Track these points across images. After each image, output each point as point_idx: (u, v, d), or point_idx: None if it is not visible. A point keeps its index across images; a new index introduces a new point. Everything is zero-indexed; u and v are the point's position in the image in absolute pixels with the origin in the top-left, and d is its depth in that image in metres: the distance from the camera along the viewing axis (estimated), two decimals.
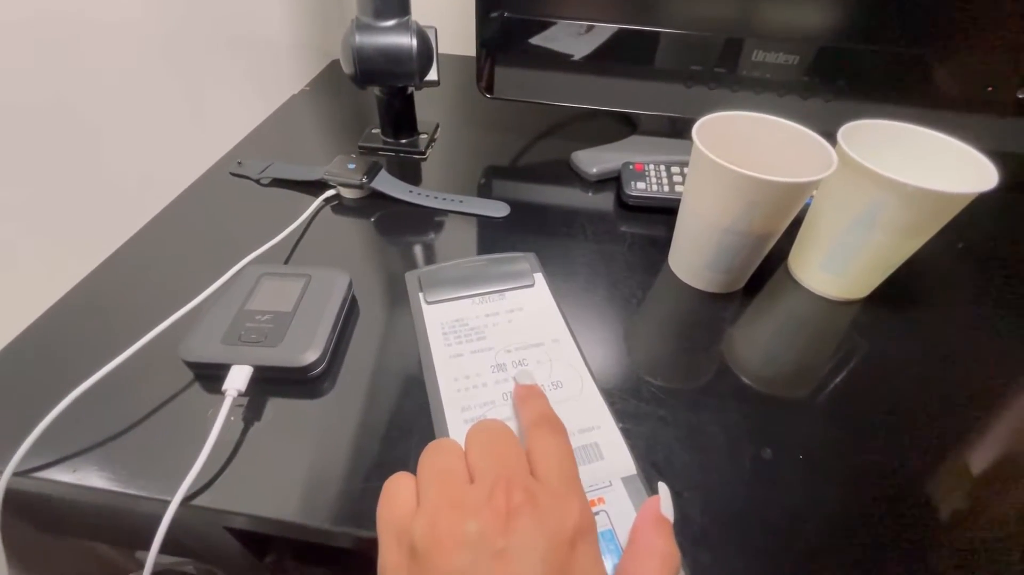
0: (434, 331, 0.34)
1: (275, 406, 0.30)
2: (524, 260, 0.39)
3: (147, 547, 0.24)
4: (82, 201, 0.38)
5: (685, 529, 0.25)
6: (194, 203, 0.45)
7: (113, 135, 0.39)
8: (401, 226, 0.44)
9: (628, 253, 0.42)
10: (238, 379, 0.28)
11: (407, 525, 0.19)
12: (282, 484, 0.26)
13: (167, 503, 0.25)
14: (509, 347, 0.33)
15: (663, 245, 0.42)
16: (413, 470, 0.27)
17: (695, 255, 0.37)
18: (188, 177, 0.47)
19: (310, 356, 0.30)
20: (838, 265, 0.36)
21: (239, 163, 0.48)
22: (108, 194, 0.39)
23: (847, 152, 0.32)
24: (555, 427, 0.24)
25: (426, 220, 0.45)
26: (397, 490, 0.21)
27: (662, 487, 0.24)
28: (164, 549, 0.30)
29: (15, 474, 0.26)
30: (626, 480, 0.26)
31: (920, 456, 0.29)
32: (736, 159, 0.31)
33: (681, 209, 0.37)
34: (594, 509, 0.25)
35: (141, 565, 0.33)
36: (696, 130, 0.33)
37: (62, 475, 0.26)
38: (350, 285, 0.35)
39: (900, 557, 0.25)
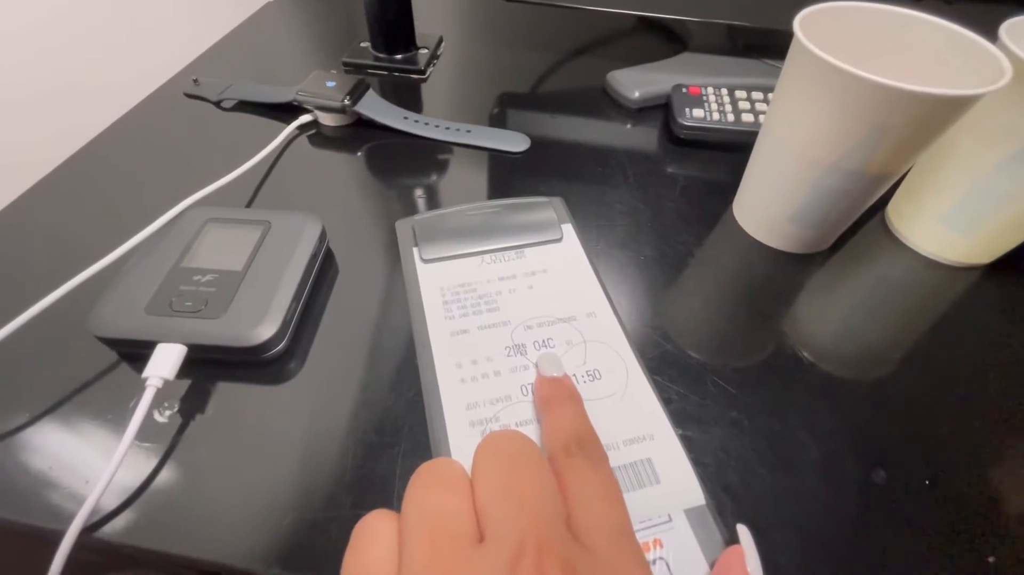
0: (431, 299, 0.26)
1: (219, 398, 0.22)
2: (549, 207, 0.30)
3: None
4: None
5: None
6: (135, 131, 0.36)
7: (31, 41, 0.30)
8: (393, 162, 0.35)
9: (681, 200, 0.33)
10: (165, 363, 0.21)
11: None
12: (221, 511, 0.19)
13: (61, 535, 0.18)
14: (529, 322, 0.25)
15: (725, 191, 0.33)
16: (399, 496, 0.20)
17: (775, 202, 0.28)
18: (130, 99, 0.38)
19: (264, 332, 0.22)
20: (970, 219, 0.27)
21: (195, 81, 0.39)
22: (23, 117, 0.31)
23: (1019, 55, 0.22)
24: (594, 452, 0.17)
25: (424, 155, 0.36)
26: (370, 543, 0.14)
27: (744, 534, 0.17)
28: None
29: None
30: (691, 513, 0.19)
31: None
32: (854, 66, 0.21)
33: (761, 139, 0.28)
34: (648, 556, 0.18)
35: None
36: (800, 22, 0.24)
37: None
38: (323, 235, 0.27)
39: None
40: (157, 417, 0.21)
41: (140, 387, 0.21)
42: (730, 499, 0.20)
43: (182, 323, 0.22)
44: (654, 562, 0.18)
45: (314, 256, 0.26)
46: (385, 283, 0.27)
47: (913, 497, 0.20)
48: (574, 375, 0.23)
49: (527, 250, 0.28)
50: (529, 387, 0.22)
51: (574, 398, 0.20)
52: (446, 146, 0.36)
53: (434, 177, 0.34)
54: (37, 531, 0.19)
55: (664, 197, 0.33)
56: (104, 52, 0.34)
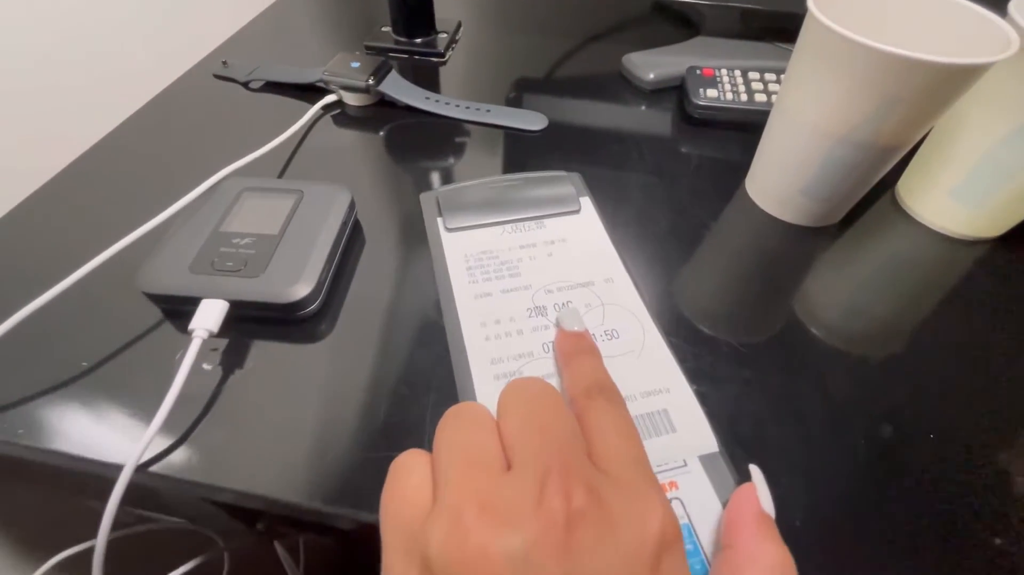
0: (456, 265, 0.27)
1: (258, 352, 0.24)
2: (568, 180, 0.31)
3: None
4: (39, 103, 0.31)
5: (782, 524, 0.19)
6: (170, 108, 0.37)
7: (77, 26, 0.32)
8: (414, 140, 0.36)
9: (695, 177, 0.34)
10: (209, 317, 0.22)
11: (419, 528, 0.14)
12: (264, 451, 0.21)
13: (119, 470, 0.19)
14: (550, 286, 0.26)
15: (738, 169, 0.34)
16: (429, 441, 0.21)
17: (787, 176, 0.29)
18: (163, 79, 0.39)
19: (300, 290, 0.24)
20: (979, 192, 0.28)
21: (224, 63, 0.41)
22: (68, 95, 0.32)
23: None
24: (613, 396, 0.18)
25: (445, 134, 0.37)
26: (407, 475, 0.16)
27: (756, 472, 0.18)
28: (147, 506, 0.26)
29: None
30: (705, 459, 0.20)
31: None
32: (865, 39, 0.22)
33: (774, 115, 0.29)
34: (666, 495, 0.19)
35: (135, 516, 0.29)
36: None
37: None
38: (352, 205, 0.28)
39: None
40: (204, 366, 0.23)
41: (186, 340, 0.22)
42: (741, 448, 0.21)
43: (224, 281, 0.24)
44: (670, 502, 0.19)
45: (344, 224, 0.27)
46: (410, 251, 0.29)
47: (919, 451, 0.21)
48: (593, 334, 0.24)
49: (547, 220, 0.29)
50: (550, 345, 0.23)
51: (593, 351, 0.21)
52: (466, 125, 0.37)
53: (454, 154, 0.35)
54: (99, 466, 0.20)
55: (679, 174, 0.34)
56: (138, 36, 0.36)
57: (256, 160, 0.31)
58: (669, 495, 0.19)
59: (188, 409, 0.22)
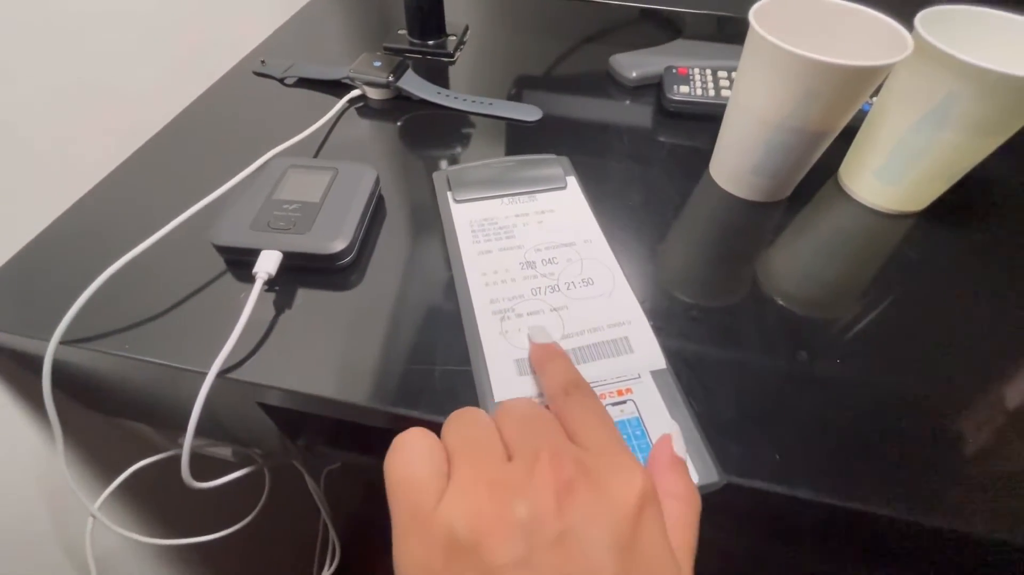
0: (463, 228, 0.33)
1: (305, 294, 0.30)
2: (557, 163, 0.37)
3: (187, 426, 0.25)
4: (112, 95, 0.37)
5: (714, 420, 0.25)
6: (219, 100, 0.44)
7: (138, 33, 0.38)
8: (428, 129, 0.42)
9: (667, 160, 0.40)
10: (268, 263, 0.28)
11: (433, 506, 0.16)
12: (313, 364, 0.27)
13: (205, 375, 0.25)
14: (539, 246, 0.32)
15: (705, 155, 0.39)
16: (442, 354, 0.27)
17: (740, 157, 0.35)
18: (210, 77, 0.45)
19: (339, 244, 0.30)
20: (897, 171, 0.33)
21: (262, 62, 0.47)
22: (129, 90, 0.39)
23: (924, 37, 0.29)
24: (587, 391, 0.21)
25: (454, 124, 0.43)
26: (416, 453, 0.18)
27: (675, 429, 0.22)
28: (203, 430, 0.32)
29: (62, 342, 0.26)
30: (656, 374, 0.26)
31: (959, 384, 0.27)
32: (799, 48, 0.28)
33: (729, 106, 0.35)
34: (620, 398, 0.25)
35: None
36: (754, 12, 0.30)
37: (107, 347, 0.27)
38: (377, 180, 0.34)
39: (915, 476, 0.24)
40: (266, 302, 0.29)
41: (249, 284, 0.28)
42: (687, 368, 0.27)
43: (278, 237, 0.30)
44: (625, 402, 0.25)
45: (372, 194, 0.33)
46: (425, 218, 0.35)
47: (825, 372, 0.27)
48: (572, 283, 0.30)
49: (538, 195, 0.35)
50: (538, 290, 0.29)
51: (563, 355, 0.24)
52: (472, 116, 0.43)
53: (462, 141, 0.41)
54: (187, 372, 0.26)
55: (653, 158, 0.40)
56: (186, 36, 0.42)
57: (296, 144, 0.37)
58: (624, 398, 0.25)
59: (252, 335, 0.28)
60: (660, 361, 0.26)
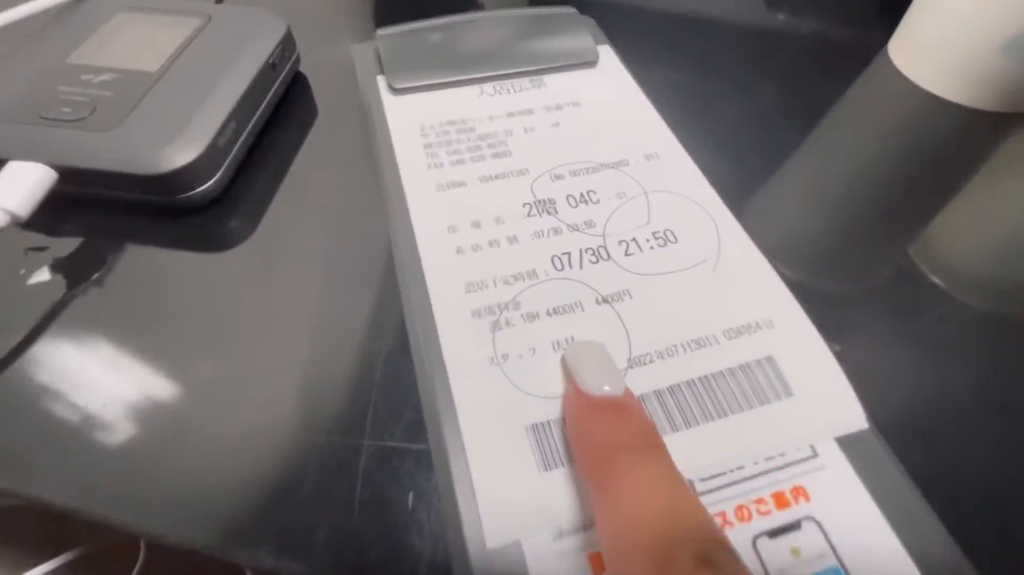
0: (406, 142, 0.17)
1: (121, 265, 0.14)
2: (579, 23, 0.21)
3: None
4: None
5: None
6: None
7: None
8: None
9: (798, 29, 0.23)
10: (16, 190, 0.13)
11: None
12: (100, 427, 0.12)
13: None
14: (559, 170, 0.16)
15: (877, 22, 0.23)
16: (359, 423, 0.12)
17: (978, 26, 0.18)
18: None
19: (176, 156, 0.14)
20: None
21: None
22: None
23: None
24: (729, 564, 0.08)
25: None
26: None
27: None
28: None
29: None
30: (847, 443, 0.11)
31: None
32: None
33: None
34: (788, 515, 0.11)
35: None
36: None
37: None
38: (287, 41, 0.18)
39: None
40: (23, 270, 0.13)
41: None
42: (910, 424, 0.12)
43: (50, 134, 0.14)
44: (798, 524, 0.10)
45: (271, 66, 0.17)
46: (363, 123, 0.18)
47: None
48: (634, 240, 0.14)
49: (548, 77, 0.19)
50: (561, 259, 0.14)
51: (656, 449, 0.10)
52: None
53: None
54: None
55: (769, 24, 0.23)
56: None
57: None
58: (798, 511, 0.11)
59: None
60: (855, 412, 0.12)
